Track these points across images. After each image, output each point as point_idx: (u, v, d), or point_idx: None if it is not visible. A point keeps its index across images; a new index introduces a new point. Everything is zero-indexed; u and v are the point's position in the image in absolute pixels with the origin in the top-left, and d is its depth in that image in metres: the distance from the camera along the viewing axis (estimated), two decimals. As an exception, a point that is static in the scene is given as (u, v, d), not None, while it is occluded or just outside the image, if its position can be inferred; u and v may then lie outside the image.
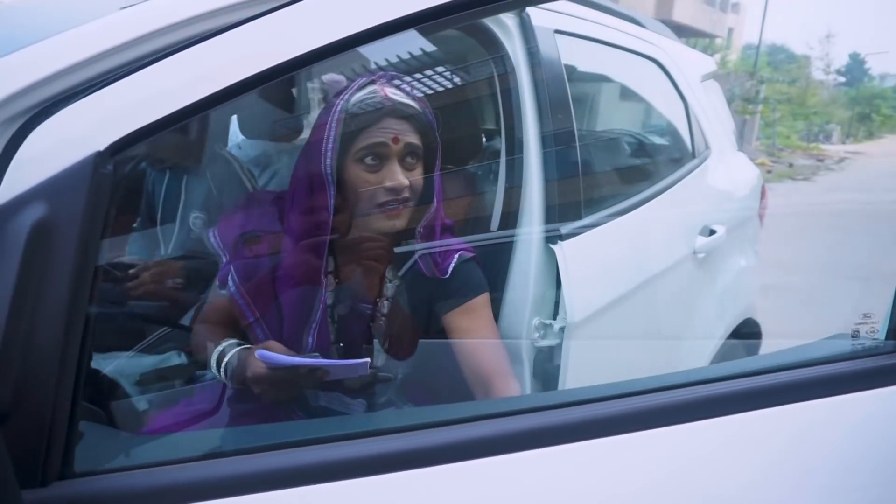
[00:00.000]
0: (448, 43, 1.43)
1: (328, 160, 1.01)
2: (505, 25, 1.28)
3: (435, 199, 1.10)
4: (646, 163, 2.07)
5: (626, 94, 2.23)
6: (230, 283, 1.07)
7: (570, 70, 1.46)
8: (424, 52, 1.38)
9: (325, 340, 1.09)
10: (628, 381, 0.76)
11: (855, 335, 0.84)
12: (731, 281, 2.02)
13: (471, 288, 1.12)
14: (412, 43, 1.29)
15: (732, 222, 2.00)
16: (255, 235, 1.10)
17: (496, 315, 1.22)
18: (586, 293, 1.33)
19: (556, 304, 1.30)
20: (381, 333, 1.11)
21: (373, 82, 1.05)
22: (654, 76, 1.93)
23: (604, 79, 2.08)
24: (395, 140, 1.01)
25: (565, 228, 1.33)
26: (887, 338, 0.79)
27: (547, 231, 1.33)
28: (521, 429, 0.67)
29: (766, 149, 18.15)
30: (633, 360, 1.40)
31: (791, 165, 15.47)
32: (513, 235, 1.34)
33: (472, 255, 1.15)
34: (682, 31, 18.86)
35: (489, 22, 1.25)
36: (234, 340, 1.05)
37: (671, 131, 2.06)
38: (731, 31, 25.53)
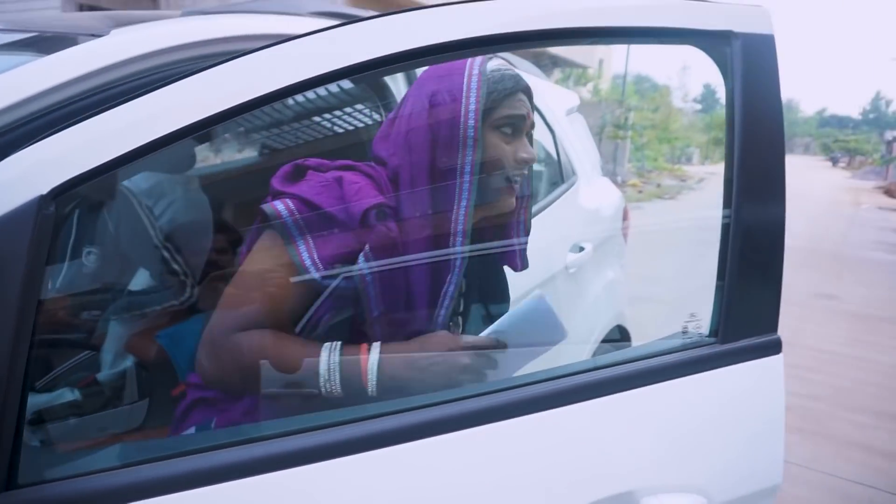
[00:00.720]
0: (339, 88, 1.56)
1: (471, 121, 0.95)
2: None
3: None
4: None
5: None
6: (362, 267, 0.92)
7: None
8: (318, 96, 1.51)
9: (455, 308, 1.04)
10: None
11: (685, 332, 1.04)
12: (600, 292, 2.27)
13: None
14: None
15: (599, 240, 2.26)
16: (382, 211, 0.94)
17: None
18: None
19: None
20: None
21: (493, 57, 1.02)
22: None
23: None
24: (529, 115, 1.01)
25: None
26: (710, 334, 0.96)
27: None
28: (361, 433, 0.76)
29: (638, 170, 19.67)
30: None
31: (659, 185, 16.89)
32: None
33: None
34: (559, 62, 20.11)
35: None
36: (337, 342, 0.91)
37: (543, 159, 2.30)
38: (601, 61, 27.43)
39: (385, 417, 0.78)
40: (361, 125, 1.64)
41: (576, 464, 0.86)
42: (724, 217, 0.91)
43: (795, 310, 5.12)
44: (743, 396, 0.93)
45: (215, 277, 1.27)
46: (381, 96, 1.43)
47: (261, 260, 0.94)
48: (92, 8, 7.79)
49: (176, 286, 1.32)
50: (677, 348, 0.95)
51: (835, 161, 47.80)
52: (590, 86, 27.81)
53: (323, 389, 0.88)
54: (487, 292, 1.16)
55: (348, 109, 1.61)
